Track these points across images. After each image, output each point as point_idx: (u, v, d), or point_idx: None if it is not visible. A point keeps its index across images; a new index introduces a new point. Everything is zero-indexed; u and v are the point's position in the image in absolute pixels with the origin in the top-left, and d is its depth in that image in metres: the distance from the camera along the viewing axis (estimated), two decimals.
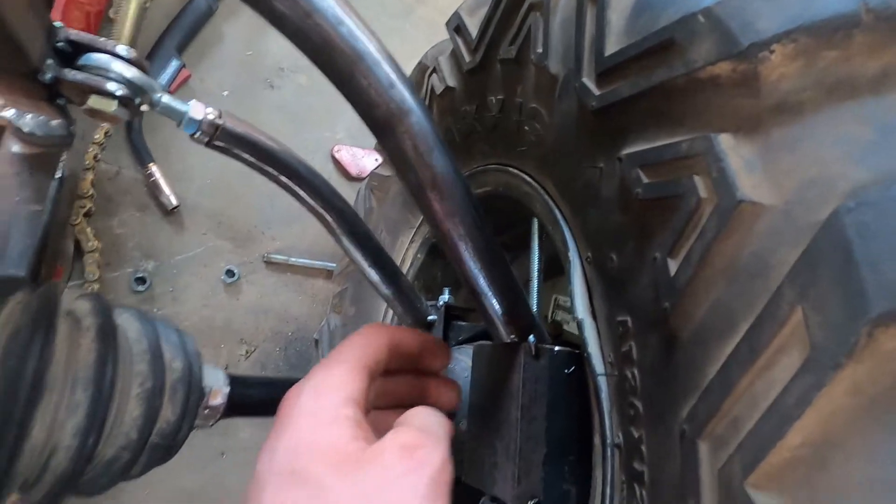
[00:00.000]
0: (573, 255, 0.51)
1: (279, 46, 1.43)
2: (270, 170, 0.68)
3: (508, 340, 0.56)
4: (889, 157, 0.25)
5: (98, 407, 0.32)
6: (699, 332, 0.31)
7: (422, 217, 1.02)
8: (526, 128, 0.60)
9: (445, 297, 0.90)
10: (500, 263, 0.53)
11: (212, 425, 0.46)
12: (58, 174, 0.61)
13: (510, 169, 0.68)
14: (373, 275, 0.80)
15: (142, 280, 1.20)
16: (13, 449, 0.29)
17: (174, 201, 1.23)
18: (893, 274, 0.21)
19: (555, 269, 0.80)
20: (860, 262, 0.22)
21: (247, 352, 1.27)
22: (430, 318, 0.87)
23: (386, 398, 0.46)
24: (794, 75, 0.29)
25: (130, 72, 0.55)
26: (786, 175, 0.28)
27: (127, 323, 0.37)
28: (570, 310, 0.56)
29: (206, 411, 0.43)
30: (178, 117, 0.60)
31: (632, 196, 0.38)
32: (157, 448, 0.37)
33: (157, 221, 1.25)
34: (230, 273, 1.28)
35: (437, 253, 1.01)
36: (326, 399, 0.33)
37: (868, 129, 0.27)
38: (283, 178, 0.70)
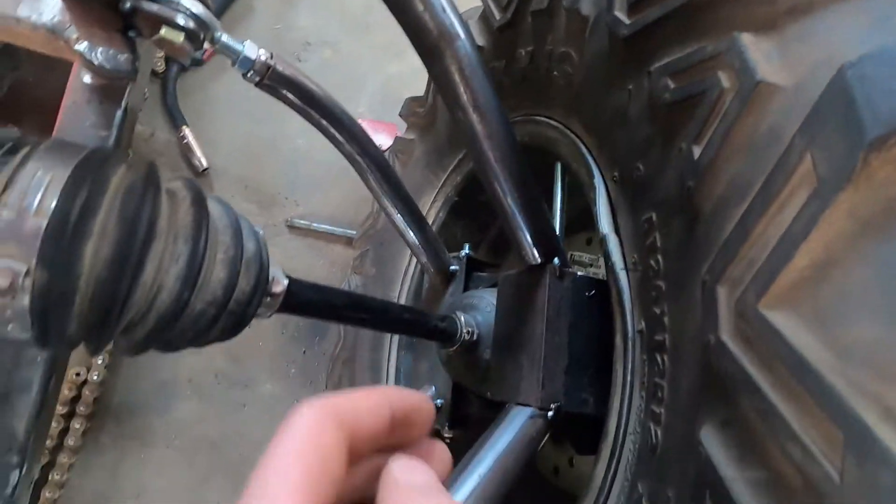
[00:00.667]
0: (598, 181, 0.56)
1: (307, 21, 1.49)
2: (313, 113, 0.73)
3: (534, 262, 0.61)
4: (884, 36, 0.30)
5: (195, 260, 0.37)
6: (719, 203, 0.36)
7: (444, 176, 1.07)
8: (555, 73, 0.65)
9: (466, 251, 0.95)
10: (530, 188, 0.58)
11: (269, 316, 0.51)
12: (122, 105, 0.66)
13: (537, 118, 0.73)
14: (401, 221, 0.85)
15: None
16: (132, 280, 0.33)
17: (205, 163, 1.28)
18: (886, 108, 0.26)
19: (570, 230, 0.85)
20: (858, 101, 0.26)
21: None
22: (452, 268, 0.92)
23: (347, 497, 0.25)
24: None
25: (198, 7, 0.61)
26: (798, 61, 0.33)
27: (211, 203, 0.42)
28: (581, 259, 0.61)
29: (269, 299, 0.48)
30: (234, 55, 0.65)
31: (659, 104, 0.43)
32: (231, 315, 0.42)
33: None
34: None
35: (458, 212, 1.06)
36: None
37: (867, 19, 0.31)
38: (324, 122, 0.75)
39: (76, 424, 1.09)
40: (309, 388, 1.32)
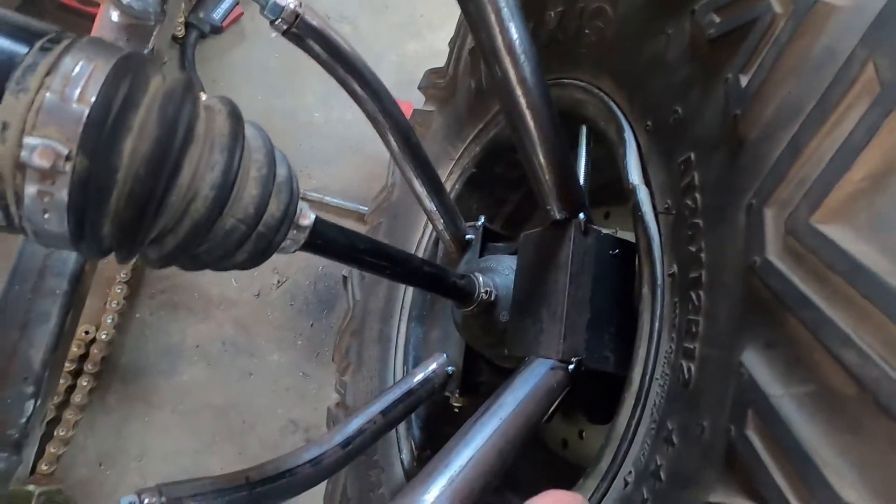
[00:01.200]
0: (628, 135, 0.56)
1: None
2: (338, 68, 0.72)
3: (559, 217, 0.60)
4: None
5: (230, 170, 0.36)
6: (767, 128, 0.35)
7: (462, 148, 1.07)
8: (587, 31, 0.65)
9: (483, 221, 0.94)
10: (560, 139, 0.57)
11: (294, 251, 0.51)
12: (150, 45, 0.66)
13: (563, 81, 0.73)
14: (418, 186, 0.84)
15: None
16: (168, 181, 0.33)
17: None
18: None
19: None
20: None
21: (278, 281, 1.32)
22: (468, 236, 0.92)
23: None
24: None
25: None
26: None
27: (246, 123, 0.41)
28: (625, 182, 0.60)
29: (295, 231, 0.47)
30: (263, 1, 0.65)
31: (703, 42, 0.42)
32: (260, 239, 0.42)
33: None
34: None
35: (475, 185, 1.05)
36: None
37: None
38: (349, 78, 0.74)
39: (83, 382, 1.08)
40: (315, 361, 1.31)
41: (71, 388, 1.08)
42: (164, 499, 0.52)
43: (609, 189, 0.77)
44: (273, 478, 0.61)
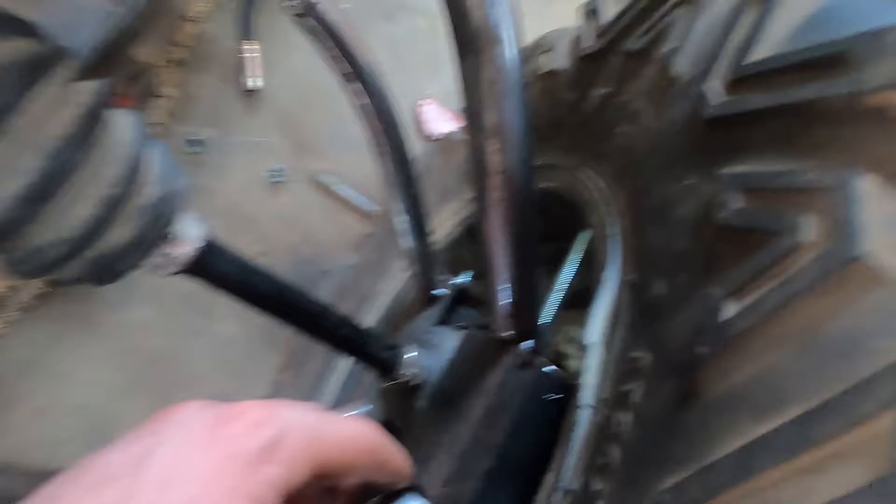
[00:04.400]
0: (611, 275, 0.44)
1: None
2: (346, 65, 0.64)
3: (504, 335, 0.50)
4: None
5: (42, 181, 0.28)
6: (729, 398, 0.24)
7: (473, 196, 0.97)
8: (618, 130, 0.54)
9: (463, 279, 0.84)
10: (530, 249, 0.46)
11: (167, 275, 0.42)
12: None
13: (583, 170, 0.62)
14: (401, 222, 0.75)
15: (197, 143, 1.21)
16: None
17: (255, 84, 1.23)
18: None
19: (576, 303, 0.73)
20: None
21: (258, 252, 1.26)
22: (436, 291, 0.82)
23: None
24: None
25: None
26: None
27: (121, 124, 0.33)
28: (579, 339, 0.49)
29: (162, 259, 0.39)
30: None
31: (713, 220, 0.31)
32: (95, 265, 0.34)
33: (233, 97, 1.25)
34: (276, 173, 1.27)
35: (474, 235, 0.95)
36: None
37: None
38: (354, 81, 0.66)
39: (36, 283, 1.06)
40: (266, 346, 1.25)
41: (21, 287, 1.06)
42: None
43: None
44: None
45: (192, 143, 1.21)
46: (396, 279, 1.06)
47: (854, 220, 0.22)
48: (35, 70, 0.29)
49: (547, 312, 0.60)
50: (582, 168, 0.62)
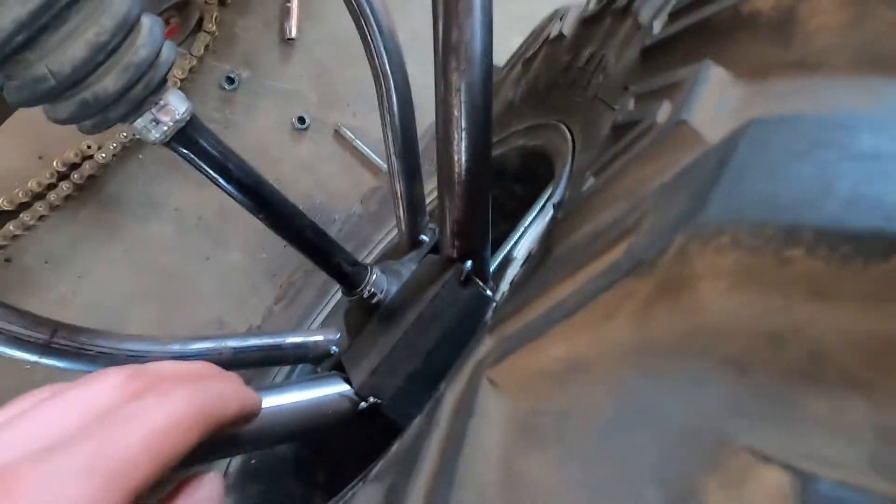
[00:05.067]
0: (546, 206, 0.47)
1: None
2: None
3: (449, 253, 0.53)
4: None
5: (43, 13, 0.34)
6: (564, 254, 0.27)
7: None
8: (592, 82, 0.56)
9: None
10: (481, 172, 0.50)
11: (156, 143, 0.47)
12: None
13: (562, 126, 0.64)
14: (394, 163, 0.79)
15: (232, 81, 1.29)
16: None
17: (294, 33, 1.29)
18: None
19: None
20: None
21: (275, 180, 1.33)
22: (422, 237, 0.86)
23: None
24: (834, 30, 0.23)
25: None
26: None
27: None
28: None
29: (150, 122, 0.44)
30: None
31: (613, 127, 0.33)
32: (84, 106, 0.39)
33: (272, 42, 1.33)
34: (302, 121, 1.34)
35: None
36: None
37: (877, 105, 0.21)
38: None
39: (65, 186, 1.16)
40: (269, 280, 1.32)
41: (51, 186, 1.16)
42: None
43: None
44: (77, 348, 0.60)
45: (228, 80, 1.29)
46: (394, 231, 1.11)
47: (690, 96, 0.25)
48: None
49: (503, 249, 0.63)
50: (563, 123, 0.65)
